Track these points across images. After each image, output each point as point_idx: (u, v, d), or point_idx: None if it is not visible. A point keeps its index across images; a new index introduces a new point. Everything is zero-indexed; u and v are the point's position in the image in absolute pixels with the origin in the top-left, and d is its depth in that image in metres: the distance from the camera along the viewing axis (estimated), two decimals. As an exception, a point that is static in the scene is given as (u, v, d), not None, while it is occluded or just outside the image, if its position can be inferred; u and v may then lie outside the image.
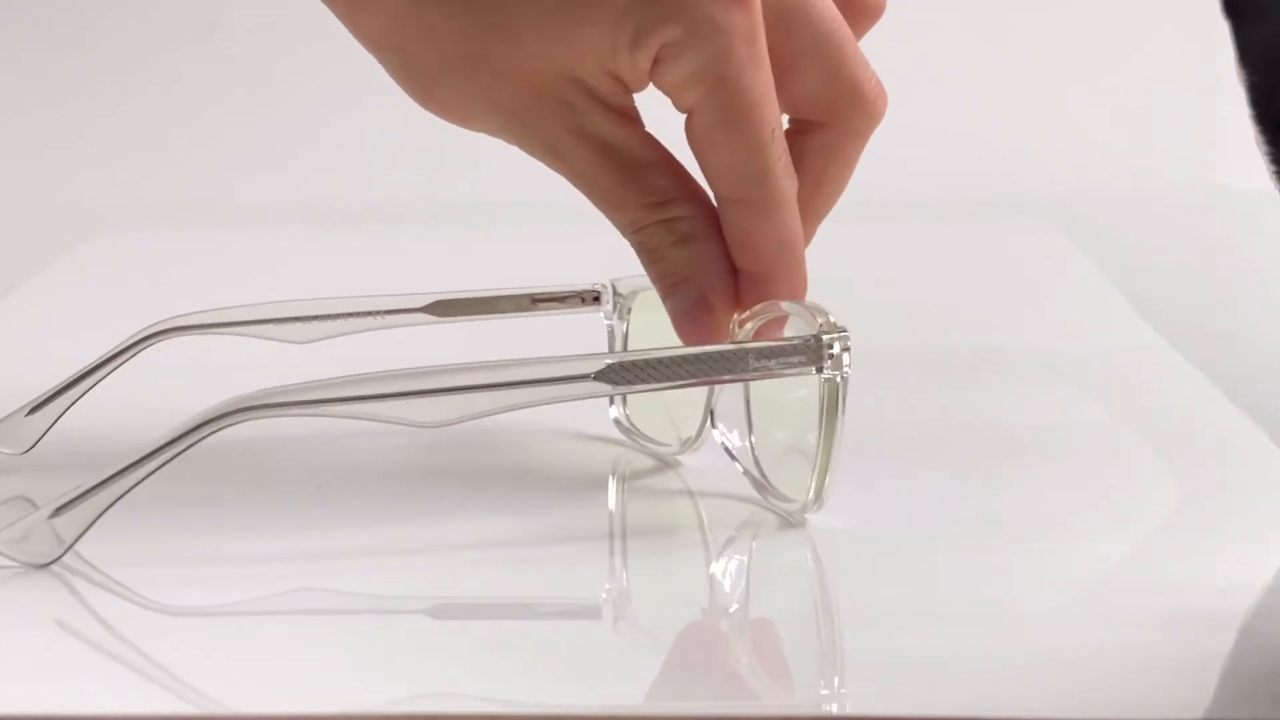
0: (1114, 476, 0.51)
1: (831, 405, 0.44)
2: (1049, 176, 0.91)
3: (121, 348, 0.51)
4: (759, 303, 0.46)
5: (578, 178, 0.46)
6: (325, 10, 0.46)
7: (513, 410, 0.43)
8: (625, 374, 0.43)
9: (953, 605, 0.42)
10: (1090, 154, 0.93)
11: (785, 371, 0.44)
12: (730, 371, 0.44)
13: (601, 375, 0.43)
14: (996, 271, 0.80)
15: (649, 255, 0.46)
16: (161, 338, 0.51)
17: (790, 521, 0.46)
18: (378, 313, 0.52)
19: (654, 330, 0.48)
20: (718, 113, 0.44)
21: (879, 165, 0.77)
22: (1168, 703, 0.36)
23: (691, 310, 0.46)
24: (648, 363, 0.43)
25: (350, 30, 0.46)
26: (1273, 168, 0.40)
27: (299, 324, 0.51)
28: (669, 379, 0.43)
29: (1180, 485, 0.50)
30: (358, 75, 0.46)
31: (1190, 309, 0.71)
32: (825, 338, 0.44)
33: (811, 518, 0.45)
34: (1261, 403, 0.56)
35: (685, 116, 0.45)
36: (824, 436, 0.44)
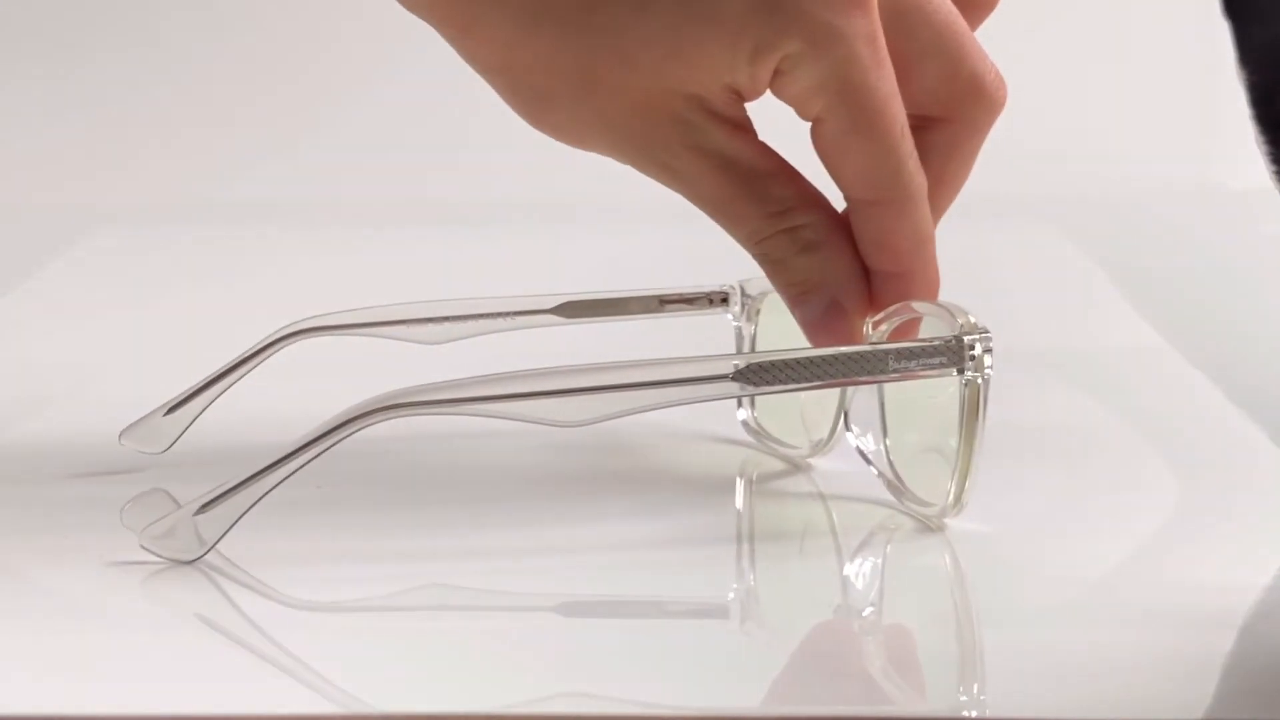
0: (1114, 476, 0.51)
1: (973, 407, 0.44)
2: (1049, 176, 0.91)
3: (259, 347, 0.51)
4: (894, 303, 0.45)
5: (696, 194, 0.45)
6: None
7: (651, 410, 0.43)
8: (764, 375, 0.43)
9: (954, 605, 0.42)
10: (1090, 154, 0.93)
11: (926, 373, 0.44)
12: (870, 373, 0.43)
13: (740, 375, 0.42)
14: (996, 271, 0.80)
15: (774, 266, 0.46)
16: (297, 338, 0.51)
17: (929, 526, 0.46)
18: (507, 314, 0.52)
19: (782, 332, 0.48)
20: (846, 119, 0.44)
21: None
22: (1168, 703, 0.36)
23: (823, 317, 0.45)
24: (786, 364, 0.43)
25: (460, 54, 0.45)
26: (1273, 168, 0.40)
27: (431, 325, 0.51)
28: (807, 380, 0.43)
29: (1180, 485, 0.50)
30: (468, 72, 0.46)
31: (1190, 309, 0.71)
32: (967, 338, 0.44)
33: (950, 522, 0.45)
34: (1261, 403, 0.56)
35: (810, 124, 0.44)
36: (964, 439, 0.44)
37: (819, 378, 0.43)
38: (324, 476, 0.43)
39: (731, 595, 0.44)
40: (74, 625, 0.41)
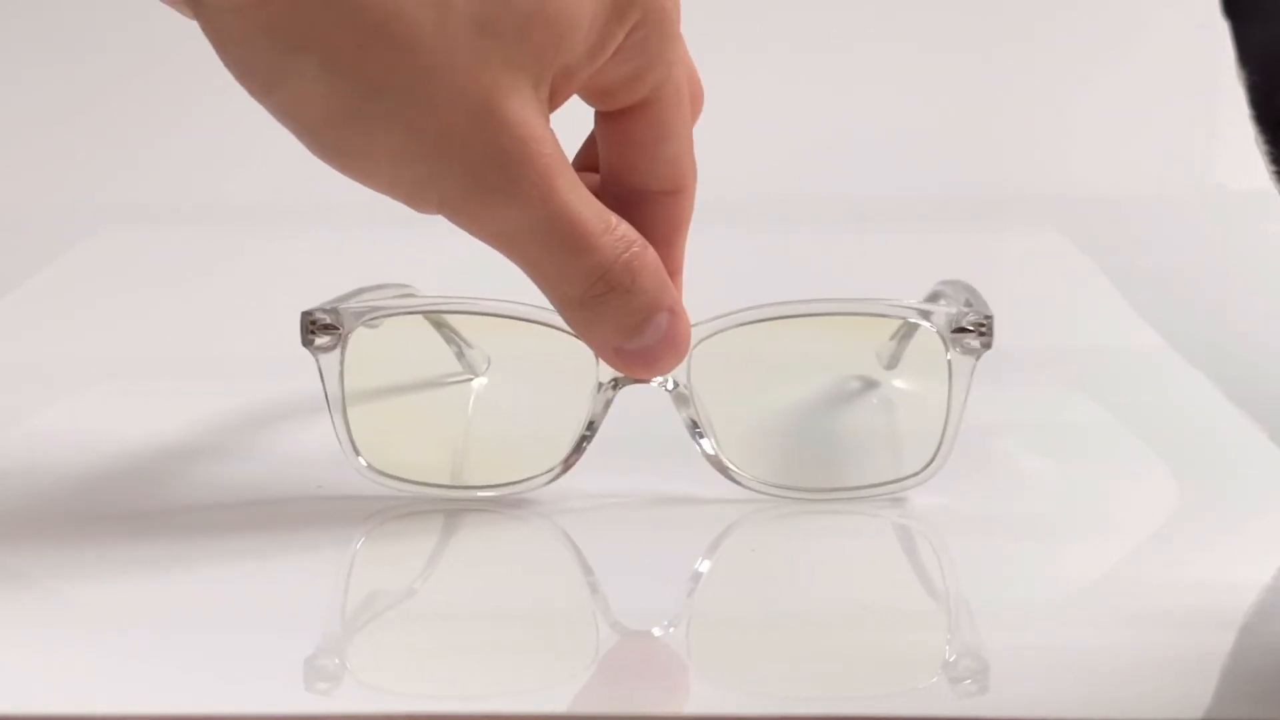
0: (1114, 476, 0.51)
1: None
2: (1049, 177, 0.91)
3: None
4: None
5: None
6: None
7: None
8: None
9: (951, 604, 0.42)
10: (1090, 154, 0.93)
11: None
12: None
13: None
14: (997, 272, 0.80)
15: (623, 297, 0.42)
16: None
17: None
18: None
19: None
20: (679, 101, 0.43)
21: (879, 165, 0.77)
22: (1168, 703, 0.36)
23: (673, 332, 0.43)
24: None
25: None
26: (1273, 168, 0.40)
27: None
28: None
29: (1180, 485, 0.50)
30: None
31: (1190, 309, 0.71)
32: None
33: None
34: (1261, 403, 0.56)
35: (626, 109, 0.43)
36: None
37: None
38: (324, 479, 0.43)
39: (727, 594, 0.44)
40: (72, 625, 0.41)
